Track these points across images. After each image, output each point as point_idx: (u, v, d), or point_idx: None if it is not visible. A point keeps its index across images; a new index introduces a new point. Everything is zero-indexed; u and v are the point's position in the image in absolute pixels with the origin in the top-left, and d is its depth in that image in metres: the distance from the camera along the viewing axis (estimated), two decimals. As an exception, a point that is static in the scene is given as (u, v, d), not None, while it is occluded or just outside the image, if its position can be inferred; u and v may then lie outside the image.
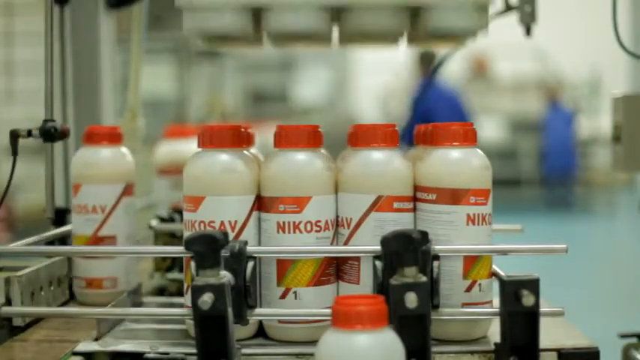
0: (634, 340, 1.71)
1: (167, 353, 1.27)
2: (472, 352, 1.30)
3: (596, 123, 11.75)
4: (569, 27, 13.33)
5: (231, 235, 1.32)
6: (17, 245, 1.47)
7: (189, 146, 2.27)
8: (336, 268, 1.38)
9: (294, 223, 1.34)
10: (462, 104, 7.57)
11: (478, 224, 1.34)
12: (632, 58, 1.97)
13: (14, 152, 1.54)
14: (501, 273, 1.28)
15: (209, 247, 1.19)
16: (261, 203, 1.37)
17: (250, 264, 1.29)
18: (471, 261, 1.34)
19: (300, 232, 1.34)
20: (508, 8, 2.03)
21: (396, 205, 1.34)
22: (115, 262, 1.62)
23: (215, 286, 1.17)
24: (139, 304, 1.60)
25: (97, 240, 1.61)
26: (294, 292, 1.34)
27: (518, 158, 12.52)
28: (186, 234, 1.34)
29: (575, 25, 13.57)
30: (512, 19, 2.02)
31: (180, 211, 1.84)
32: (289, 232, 1.33)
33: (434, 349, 1.21)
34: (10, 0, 5.47)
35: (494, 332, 1.30)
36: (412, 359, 1.15)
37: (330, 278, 1.37)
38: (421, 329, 1.17)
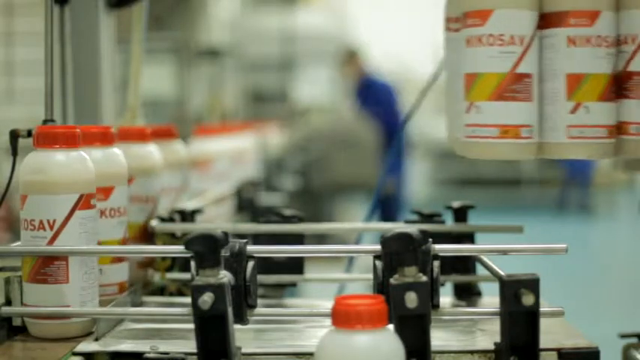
0: (634, 340, 1.70)
1: (167, 353, 1.27)
2: (472, 352, 1.30)
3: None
4: (569, 27, 13.29)
5: (518, 51, 1.36)
6: (17, 245, 1.47)
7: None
8: (618, 87, 1.41)
9: (586, 37, 1.36)
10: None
11: None
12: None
13: (14, 152, 1.54)
14: (501, 273, 1.28)
15: (209, 247, 1.19)
16: (544, 20, 1.39)
17: (250, 263, 1.29)
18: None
19: (592, 46, 1.36)
20: (508, 8, 2.03)
21: None
22: (68, 290, 1.38)
23: (215, 286, 1.17)
24: (139, 304, 1.60)
25: (44, 262, 1.38)
26: (585, 107, 1.37)
27: (518, 158, 12.50)
28: (474, 50, 1.37)
29: (575, 25, 13.54)
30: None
31: (179, 212, 1.84)
32: (581, 46, 1.36)
33: (434, 348, 1.21)
34: (10, 0, 5.46)
35: (494, 332, 1.30)
36: (412, 359, 1.15)
37: (613, 95, 1.40)
38: (421, 329, 1.17)
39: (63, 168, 1.39)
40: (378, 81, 7.79)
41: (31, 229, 1.37)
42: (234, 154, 3.38)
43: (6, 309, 1.40)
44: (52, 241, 1.37)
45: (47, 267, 1.38)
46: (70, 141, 1.41)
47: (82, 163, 1.41)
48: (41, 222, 1.37)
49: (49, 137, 1.40)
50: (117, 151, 1.57)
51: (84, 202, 1.39)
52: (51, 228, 1.37)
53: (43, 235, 1.37)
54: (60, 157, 1.39)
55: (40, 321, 1.40)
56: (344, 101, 7.95)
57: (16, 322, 1.42)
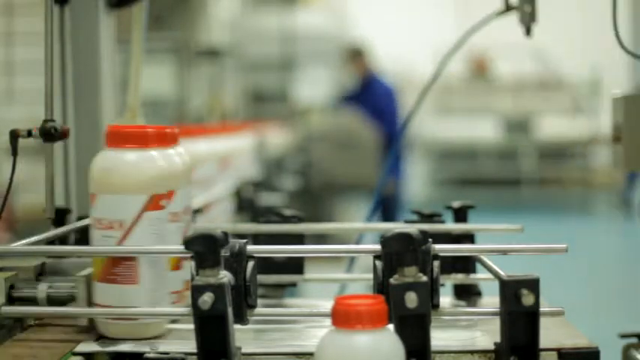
0: (634, 340, 1.70)
1: (167, 353, 1.27)
2: (472, 352, 1.30)
3: (596, 123, 11.75)
4: (569, 27, 13.34)
5: None
6: (17, 245, 1.47)
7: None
8: None
9: None
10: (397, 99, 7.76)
11: None
12: (632, 58, 1.97)
13: (14, 152, 1.54)
14: (501, 273, 1.28)
15: (209, 247, 1.19)
16: None
17: (250, 264, 1.29)
18: None
19: None
20: (508, 8, 2.03)
21: None
22: (138, 291, 1.36)
23: (215, 286, 1.17)
24: (139, 304, 1.60)
25: (114, 262, 1.37)
26: None
27: (518, 158, 12.53)
28: None
29: (575, 25, 13.58)
30: (512, 19, 2.02)
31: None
32: None
33: (434, 348, 1.21)
34: (10, 0, 5.47)
35: (494, 332, 1.30)
36: (412, 359, 1.15)
37: None
38: (421, 329, 1.17)
39: (133, 168, 1.37)
40: (380, 81, 7.83)
41: (101, 229, 1.36)
42: (222, 157, 3.04)
43: (6, 309, 1.40)
44: (121, 242, 1.35)
45: (116, 267, 1.36)
46: (141, 141, 1.38)
47: (152, 163, 1.39)
48: (110, 222, 1.35)
49: (120, 136, 1.38)
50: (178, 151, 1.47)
51: (153, 202, 1.37)
52: (120, 228, 1.35)
53: (112, 235, 1.34)
54: (130, 156, 1.37)
55: (110, 321, 1.38)
56: (340, 103, 7.96)
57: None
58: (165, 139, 1.43)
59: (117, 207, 1.35)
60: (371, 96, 7.47)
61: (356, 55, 7.74)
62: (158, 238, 1.37)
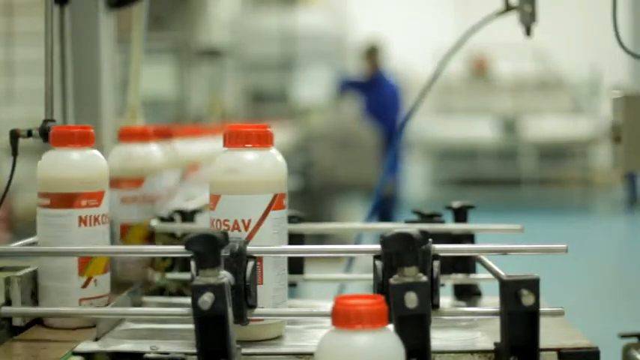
0: (634, 340, 1.70)
1: (167, 353, 1.27)
2: (472, 352, 1.30)
3: (596, 123, 11.76)
4: (569, 27, 13.34)
5: None
6: (17, 245, 1.47)
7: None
8: None
9: None
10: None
11: None
12: (632, 58, 1.97)
13: (14, 152, 1.54)
14: (501, 273, 1.28)
15: (209, 247, 1.19)
16: None
17: (250, 264, 1.29)
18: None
19: None
20: (508, 8, 2.03)
21: None
22: (262, 291, 1.35)
23: (215, 286, 1.17)
24: (139, 304, 1.60)
25: None
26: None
27: (518, 158, 12.53)
28: None
29: (575, 25, 13.59)
30: (512, 19, 2.02)
31: (180, 212, 1.84)
32: None
33: (434, 349, 1.21)
34: (10, 0, 5.47)
35: (494, 332, 1.30)
36: (412, 359, 1.15)
37: None
38: (421, 329, 1.17)
39: (258, 167, 1.36)
40: (387, 79, 7.88)
41: (226, 229, 1.34)
42: (190, 164, 2.51)
43: (6, 309, 1.40)
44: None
45: None
46: (262, 140, 1.37)
47: (274, 162, 1.38)
48: (236, 222, 1.34)
49: (240, 137, 1.37)
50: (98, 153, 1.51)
51: (277, 202, 1.36)
52: (246, 228, 1.34)
53: (237, 236, 1.33)
54: (254, 156, 1.36)
55: None
56: (344, 88, 7.97)
57: (16, 322, 1.42)
58: (271, 139, 1.41)
59: (243, 207, 1.34)
60: (377, 92, 7.52)
61: (372, 51, 7.81)
62: (279, 237, 1.37)
